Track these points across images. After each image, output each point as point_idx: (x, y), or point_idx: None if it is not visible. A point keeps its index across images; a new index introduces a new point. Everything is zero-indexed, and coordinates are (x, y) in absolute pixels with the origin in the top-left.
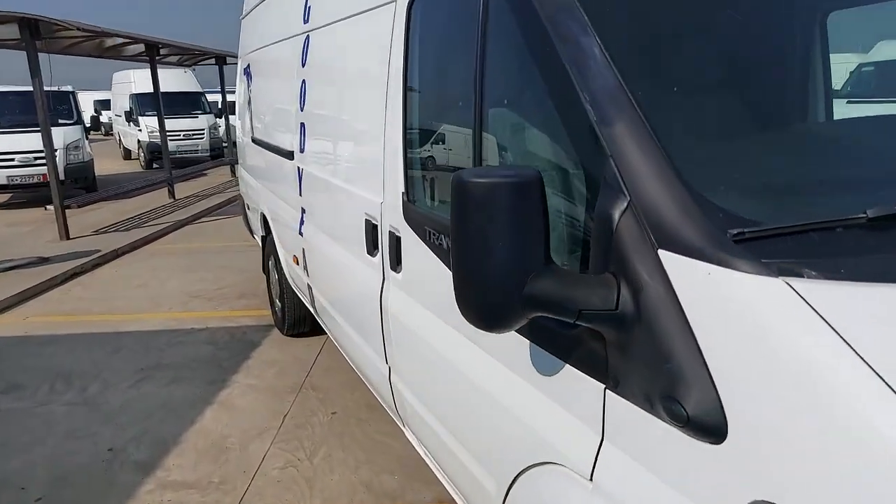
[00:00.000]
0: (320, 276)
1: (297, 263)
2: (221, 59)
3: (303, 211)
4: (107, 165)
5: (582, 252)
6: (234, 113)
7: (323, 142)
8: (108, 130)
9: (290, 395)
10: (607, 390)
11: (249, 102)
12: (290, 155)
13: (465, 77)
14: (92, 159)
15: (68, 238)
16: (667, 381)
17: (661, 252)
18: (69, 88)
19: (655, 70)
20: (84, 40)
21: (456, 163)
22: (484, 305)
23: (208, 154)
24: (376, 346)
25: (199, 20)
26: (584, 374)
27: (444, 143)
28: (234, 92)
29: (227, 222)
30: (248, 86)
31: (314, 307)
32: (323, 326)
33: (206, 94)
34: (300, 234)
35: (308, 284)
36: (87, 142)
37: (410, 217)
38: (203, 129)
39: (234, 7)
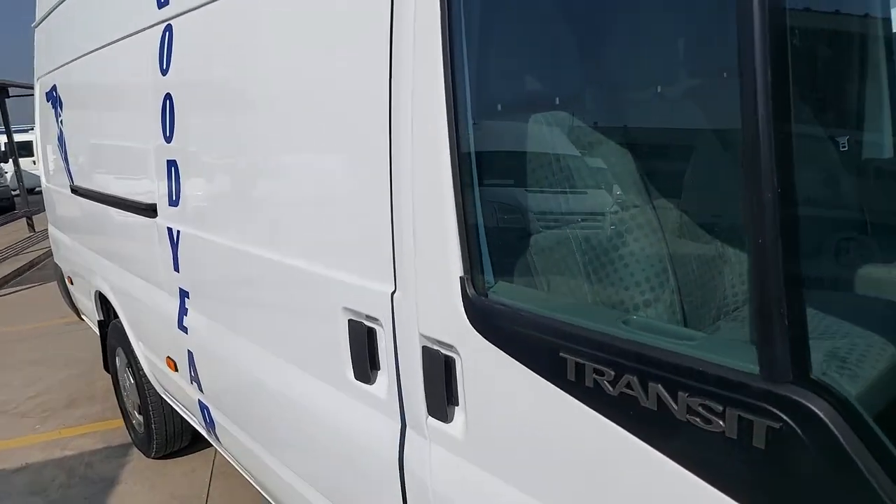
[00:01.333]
0: (231, 398)
1: (176, 370)
2: (3, 91)
3: (183, 294)
4: None
5: None
6: (25, 154)
7: (220, 187)
8: None
9: None
10: None
11: (61, 137)
12: (149, 210)
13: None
14: None
15: None
16: None
17: None
18: None
19: None
20: None
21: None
22: None
23: None
24: None
25: None
26: None
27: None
28: (24, 130)
29: (32, 294)
30: (58, 115)
31: (214, 435)
32: (231, 461)
33: None
34: (181, 328)
35: (200, 403)
36: None
37: (496, 325)
38: None
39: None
